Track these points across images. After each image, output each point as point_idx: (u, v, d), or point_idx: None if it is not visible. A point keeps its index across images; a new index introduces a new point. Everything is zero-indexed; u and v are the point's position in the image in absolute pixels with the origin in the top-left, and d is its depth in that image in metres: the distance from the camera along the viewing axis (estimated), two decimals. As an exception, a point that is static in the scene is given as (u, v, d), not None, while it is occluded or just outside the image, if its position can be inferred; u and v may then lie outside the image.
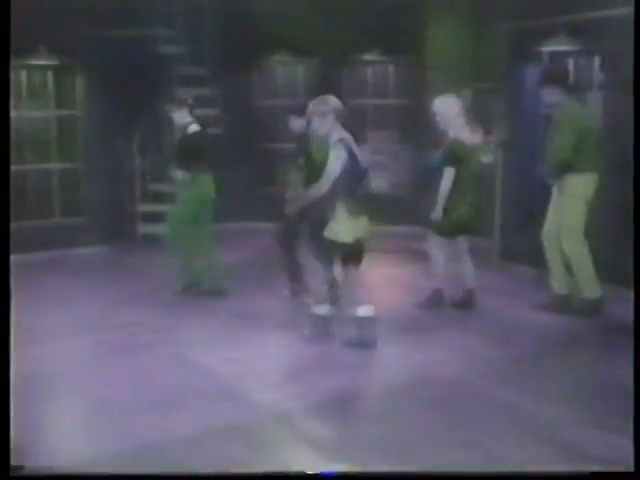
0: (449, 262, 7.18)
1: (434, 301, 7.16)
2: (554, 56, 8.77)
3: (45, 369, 5.68)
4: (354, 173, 5.97)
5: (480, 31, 9.58)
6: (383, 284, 7.63)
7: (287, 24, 10.34)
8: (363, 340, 6.08)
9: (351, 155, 5.96)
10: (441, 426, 4.65)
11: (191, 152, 7.49)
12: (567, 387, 5.34)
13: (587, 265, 6.82)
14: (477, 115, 7.28)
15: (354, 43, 10.61)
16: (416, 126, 9.84)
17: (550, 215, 7.03)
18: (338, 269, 6.24)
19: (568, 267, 6.94)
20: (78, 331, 6.67)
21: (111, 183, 9.54)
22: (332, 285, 6.34)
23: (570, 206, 6.78)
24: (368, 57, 11.00)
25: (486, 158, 7.17)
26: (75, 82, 10.14)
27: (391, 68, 11.17)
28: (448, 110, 6.93)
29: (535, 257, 7.46)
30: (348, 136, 6.05)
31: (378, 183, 10.83)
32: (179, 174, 7.51)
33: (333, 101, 6.10)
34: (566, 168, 6.68)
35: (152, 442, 4.42)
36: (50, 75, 10.00)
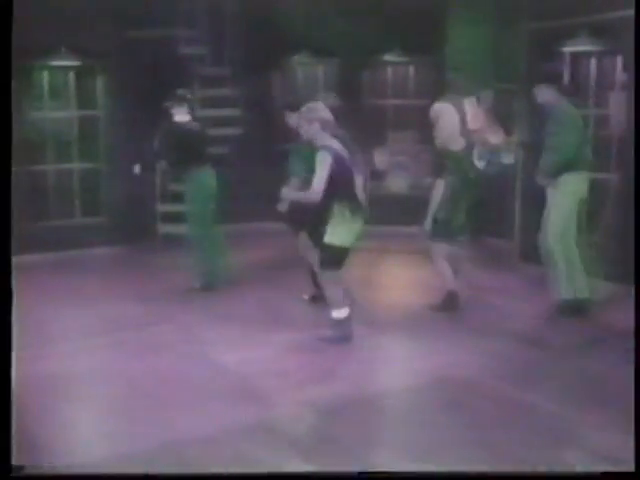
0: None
1: (448, 304, 7.11)
2: (576, 56, 8.72)
3: (65, 368, 5.70)
4: (342, 179, 6.05)
5: (501, 31, 9.52)
6: (401, 285, 7.61)
7: (308, 25, 10.33)
8: (339, 337, 6.19)
9: (338, 161, 6.03)
10: (458, 427, 4.64)
11: (186, 148, 7.52)
12: (586, 389, 5.28)
13: (576, 264, 6.80)
14: (498, 116, 7.24)
15: (374, 44, 10.58)
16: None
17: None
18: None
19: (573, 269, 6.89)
20: (98, 330, 6.69)
21: (131, 183, 9.55)
22: (346, 288, 6.37)
23: (563, 204, 6.76)
24: (388, 58, 10.97)
25: (507, 159, 7.15)
26: (96, 83, 10.19)
27: (411, 69, 11.13)
28: (436, 119, 6.97)
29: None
30: (335, 143, 6.14)
31: (398, 183, 10.87)
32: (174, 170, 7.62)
33: (320, 108, 6.23)
34: (566, 167, 6.67)
35: (170, 441, 4.43)
36: (72, 76, 10.05)
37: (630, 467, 3.37)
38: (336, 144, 6.14)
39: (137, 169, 7.83)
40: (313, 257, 6.87)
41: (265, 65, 11.08)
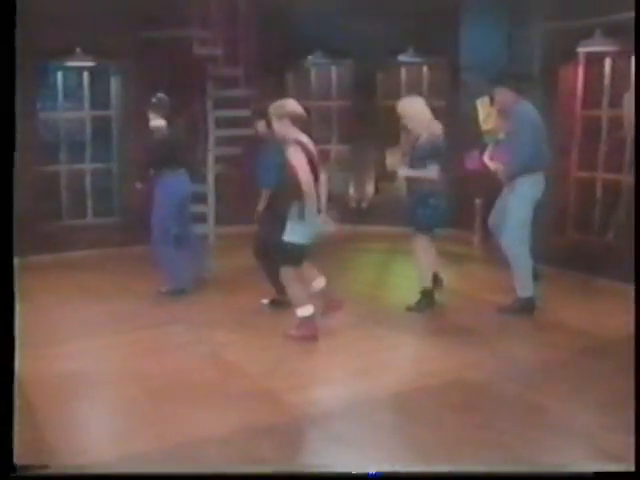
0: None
1: (425, 302, 7.09)
2: (590, 57, 8.69)
3: (77, 368, 5.71)
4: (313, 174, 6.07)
5: (515, 32, 9.48)
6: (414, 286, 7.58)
7: (322, 26, 10.31)
8: (305, 336, 6.21)
9: (308, 157, 6.04)
10: (471, 428, 4.62)
11: (158, 153, 7.52)
12: (603, 391, 5.25)
13: (525, 264, 6.83)
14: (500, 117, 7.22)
15: (388, 44, 10.55)
16: (450, 127, 9.74)
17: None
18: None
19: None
20: (111, 330, 6.69)
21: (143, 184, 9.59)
22: (306, 284, 6.39)
23: (518, 205, 6.77)
24: (402, 58, 10.94)
25: None
26: (110, 83, 10.22)
27: (425, 69, 11.11)
28: (412, 110, 6.93)
29: (564, 260, 7.41)
30: (305, 138, 6.14)
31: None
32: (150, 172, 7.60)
33: (290, 105, 6.23)
34: (523, 169, 6.67)
35: (183, 441, 4.43)
36: (86, 76, 10.08)
37: (630, 467, 3.35)
38: (306, 139, 6.14)
39: (139, 185, 7.82)
40: (270, 258, 6.84)
41: (279, 66, 11.08)
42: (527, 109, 6.77)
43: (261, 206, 7.10)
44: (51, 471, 3.92)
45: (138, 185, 7.82)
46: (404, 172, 6.90)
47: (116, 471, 4.00)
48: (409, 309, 7.09)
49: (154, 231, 7.63)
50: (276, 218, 6.35)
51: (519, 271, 6.87)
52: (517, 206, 6.78)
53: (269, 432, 4.55)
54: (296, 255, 6.17)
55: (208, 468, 4.02)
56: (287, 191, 6.12)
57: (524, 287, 6.88)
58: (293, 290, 6.29)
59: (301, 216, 6.02)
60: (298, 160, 5.99)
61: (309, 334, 6.24)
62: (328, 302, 6.50)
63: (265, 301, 7.30)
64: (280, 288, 6.89)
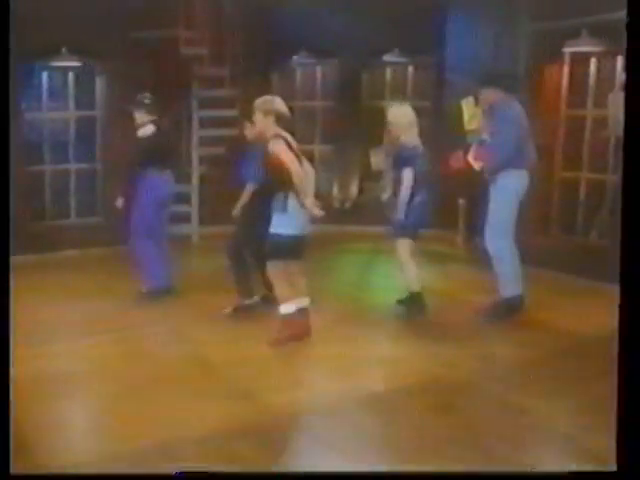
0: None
1: (414, 305, 7.05)
2: (575, 57, 8.72)
3: (60, 368, 5.70)
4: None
5: (501, 31, 9.51)
6: (393, 286, 7.58)
7: (307, 26, 10.31)
8: (287, 337, 6.13)
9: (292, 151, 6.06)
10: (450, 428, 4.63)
11: (144, 152, 7.49)
12: (584, 392, 5.25)
13: (511, 263, 6.80)
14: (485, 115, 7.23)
15: (373, 44, 10.57)
16: (435, 127, 9.79)
17: None
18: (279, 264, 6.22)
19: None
20: (94, 330, 6.67)
21: (127, 184, 9.56)
22: (291, 281, 6.29)
23: (501, 201, 6.77)
24: (387, 58, 10.94)
25: None
26: (95, 83, 10.19)
27: (410, 69, 11.12)
28: (404, 119, 6.97)
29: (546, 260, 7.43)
30: (289, 136, 6.13)
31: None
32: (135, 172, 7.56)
33: (278, 103, 6.24)
34: (507, 164, 6.67)
35: (163, 441, 4.42)
36: (71, 76, 10.05)
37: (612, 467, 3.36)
38: (290, 138, 6.12)
39: (120, 202, 7.69)
40: (243, 259, 6.84)
41: (264, 66, 11.08)
42: (512, 107, 6.79)
43: (242, 202, 7.07)
44: (50, 471, 3.94)
45: (119, 203, 7.67)
46: (399, 216, 6.91)
47: (95, 471, 3.98)
48: (400, 303, 7.11)
49: (135, 230, 7.57)
50: (260, 213, 6.32)
51: (503, 267, 6.79)
52: (499, 200, 6.76)
53: (248, 432, 4.55)
54: (283, 247, 6.07)
55: (188, 467, 4.01)
56: (274, 183, 6.09)
57: (508, 285, 6.81)
58: (279, 286, 6.21)
59: (285, 207, 5.99)
60: (284, 152, 5.97)
61: (294, 333, 6.15)
62: (299, 326, 6.26)
63: (227, 310, 7.05)
64: (246, 293, 6.93)
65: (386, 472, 3.89)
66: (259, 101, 6.25)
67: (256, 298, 7.10)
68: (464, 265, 9.14)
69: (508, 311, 6.81)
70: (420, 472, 3.80)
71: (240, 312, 6.99)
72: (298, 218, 6.06)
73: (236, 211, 7.11)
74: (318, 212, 6.05)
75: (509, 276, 6.83)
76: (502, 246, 6.78)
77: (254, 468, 4.01)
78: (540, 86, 8.93)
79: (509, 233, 6.79)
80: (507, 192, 6.75)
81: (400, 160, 6.87)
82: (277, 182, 6.03)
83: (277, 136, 6.05)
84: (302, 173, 5.98)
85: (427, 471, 3.80)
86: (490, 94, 6.84)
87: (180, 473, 3.53)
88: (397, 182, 6.92)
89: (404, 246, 6.98)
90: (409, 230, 6.94)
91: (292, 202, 5.99)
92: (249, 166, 6.94)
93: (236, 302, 7.05)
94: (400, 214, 6.86)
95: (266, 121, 6.13)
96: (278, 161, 5.97)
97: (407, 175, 6.82)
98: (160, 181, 7.55)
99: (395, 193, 6.96)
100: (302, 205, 5.98)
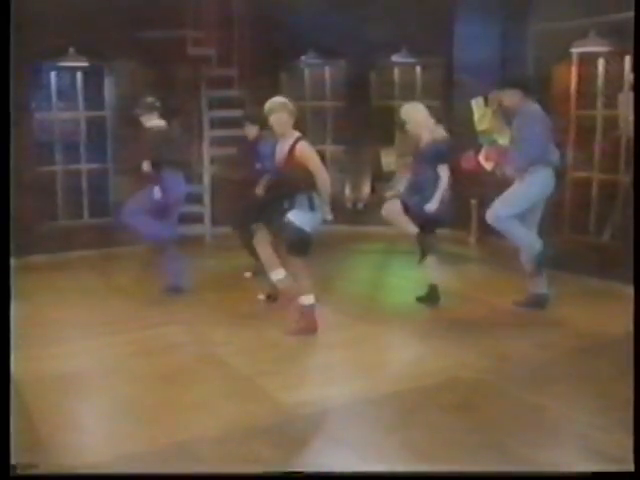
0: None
1: (431, 297, 7.17)
2: (584, 57, 8.72)
3: (73, 368, 5.71)
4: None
5: (509, 32, 9.51)
6: (409, 286, 7.60)
7: (315, 26, 10.32)
8: (304, 328, 6.28)
9: None
10: (467, 428, 4.64)
11: (156, 152, 7.50)
12: (600, 392, 5.26)
13: (520, 238, 6.88)
14: (505, 116, 7.23)
15: (382, 44, 10.57)
16: (444, 128, 9.77)
17: None
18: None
19: None
20: (106, 330, 6.66)
21: (138, 184, 9.58)
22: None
23: (523, 190, 6.77)
24: (395, 58, 10.94)
25: None
26: (104, 83, 10.22)
27: (418, 69, 11.12)
28: (418, 115, 7.02)
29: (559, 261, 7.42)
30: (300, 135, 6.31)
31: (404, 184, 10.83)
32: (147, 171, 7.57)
33: (287, 102, 6.37)
34: (535, 160, 6.68)
35: (179, 442, 4.42)
36: (80, 76, 10.08)
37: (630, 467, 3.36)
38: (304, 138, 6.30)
39: (157, 192, 7.70)
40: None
41: (272, 66, 11.09)
42: (535, 108, 6.81)
43: (260, 190, 7.12)
44: (50, 471, 3.93)
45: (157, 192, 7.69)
46: (432, 207, 6.91)
47: (112, 471, 4.00)
48: (419, 300, 7.22)
49: (145, 229, 7.66)
50: (274, 207, 6.36)
51: (516, 240, 6.89)
52: (521, 189, 6.76)
53: (264, 432, 4.55)
54: (309, 243, 6.24)
55: (204, 468, 4.03)
56: (296, 181, 6.17)
57: (531, 254, 6.89)
58: (304, 277, 6.31)
59: (313, 206, 6.18)
60: (313, 157, 6.19)
61: (308, 327, 6.29)
62: (313, 319, 6.40)
63: (261, 296, 7.33)
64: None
65: (403, 472, 3.91)
66: (281, 101, 6.36)
67: None
68: (477, 265, 9.17)
69: (535, 306, 6.97)
70: (437, 472, 3.82)
71: (260, 274, 7.24)
72: (317, 219, 6.27)
73: (259, 190, 7.11)
74: (330, 216, 6.31)
75: (524, 245, 6.91)
76: (504, 223, 6.79)
77: (271, 468, 4.01)
78: (549, 86, 8.92)
79: (514, 210, 6.75)
80: (533, 183, 6.74)
81: (432, 156, 6.85)
82: (301, 179, 6.14)
83: (301, 137, 6.22)
84: (328, 182, 6.18)
85: (444, 471, 3.82)
86: (511, 96, 6.85)
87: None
88: (423, 181, 6.92)
89: (426, 238, 7.03)
90: (432, 224, 7.00)
91: (317, 202, 6.18)
92: (267, 155, 6.95)
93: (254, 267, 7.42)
94: (433, 204, 6.86)
95: (291, 121, 6.26)
96: (303, 162, 6.13)
97: (444, 170, 6.85)
98: (173, 181, 7.57)
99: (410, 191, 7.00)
100: (323, 207, 6.21)
